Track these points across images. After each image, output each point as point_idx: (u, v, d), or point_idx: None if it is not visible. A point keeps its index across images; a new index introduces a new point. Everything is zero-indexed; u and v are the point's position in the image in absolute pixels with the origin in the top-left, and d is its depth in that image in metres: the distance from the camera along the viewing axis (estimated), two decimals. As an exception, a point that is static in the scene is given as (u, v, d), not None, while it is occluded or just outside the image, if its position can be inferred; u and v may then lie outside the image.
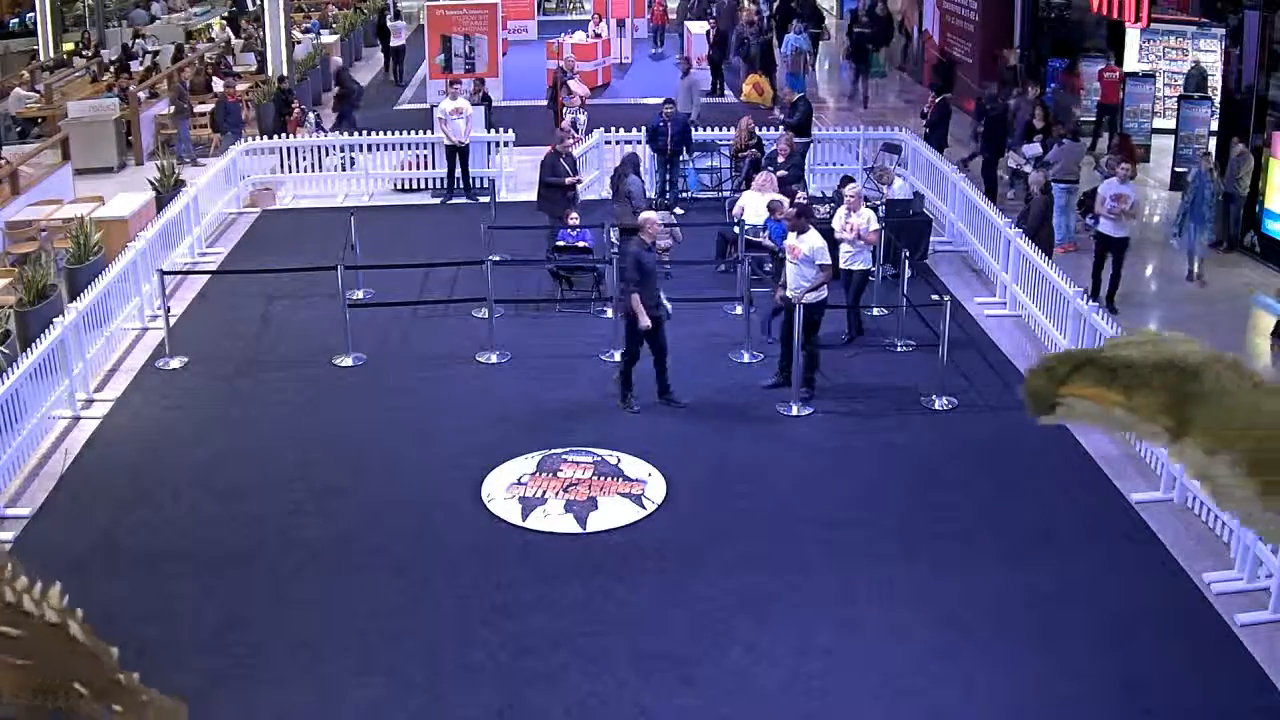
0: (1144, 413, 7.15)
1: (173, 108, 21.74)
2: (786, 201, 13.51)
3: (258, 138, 19.56)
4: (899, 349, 12.53)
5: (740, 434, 11.03)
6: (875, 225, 12.64)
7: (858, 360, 12.49)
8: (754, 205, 14.44)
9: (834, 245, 12.71)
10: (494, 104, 20.92)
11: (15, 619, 6.19)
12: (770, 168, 16.02)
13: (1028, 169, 16.09)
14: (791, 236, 11.62)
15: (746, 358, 12.41)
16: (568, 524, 9.56)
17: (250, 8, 35.72)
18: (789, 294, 11.48)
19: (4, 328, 11.91)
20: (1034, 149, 16.61)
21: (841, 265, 12.62)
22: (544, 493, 9.99)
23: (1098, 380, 7.06)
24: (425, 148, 19.23)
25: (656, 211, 15.77)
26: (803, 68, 24.44)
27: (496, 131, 19.37)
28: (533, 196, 16.32)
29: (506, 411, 11.55)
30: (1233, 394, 6.75)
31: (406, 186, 19.22)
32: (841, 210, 12.76)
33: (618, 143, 18.82)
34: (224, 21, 34.90)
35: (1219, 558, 8.87)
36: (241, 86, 24.67)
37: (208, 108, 22.67)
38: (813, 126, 18.85)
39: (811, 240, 11.36)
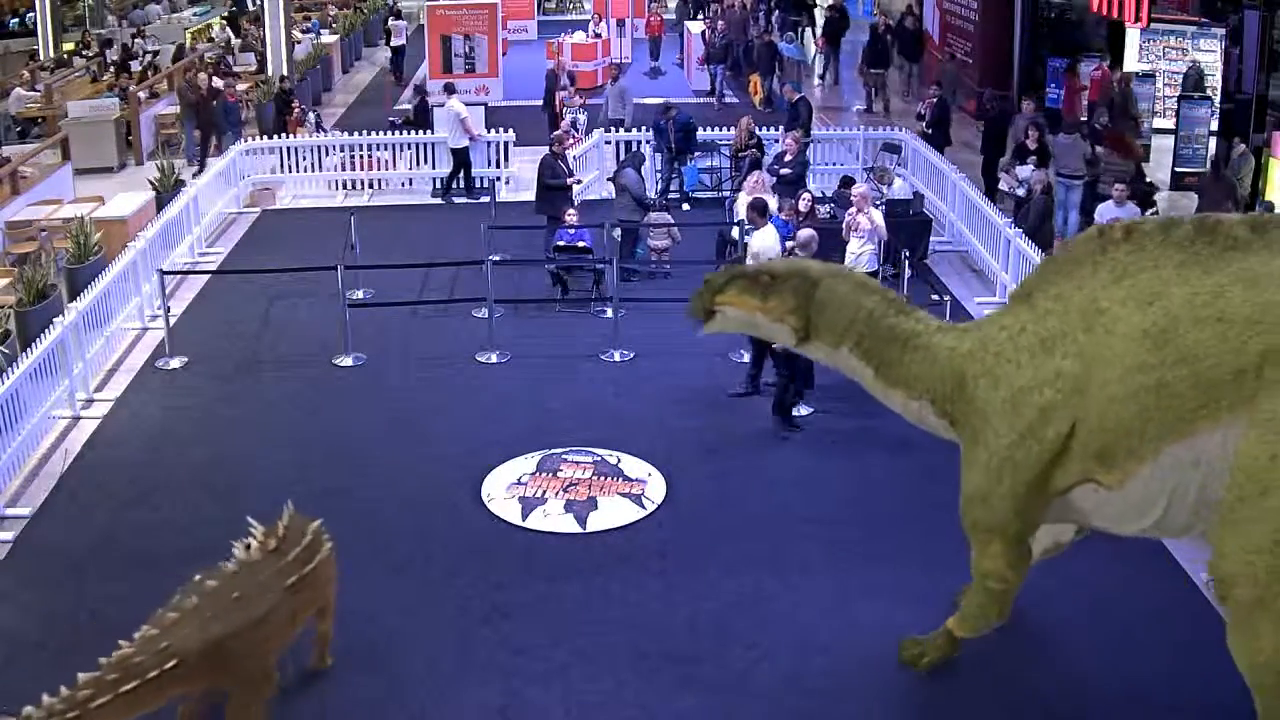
0: (775, 314, 8.33)
1: (177, 106, 21.72)
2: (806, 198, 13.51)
3: (258, 137, 19.58)
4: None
5: (740, 434, 11.02)
6: (880, 221, 12.69)
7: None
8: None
9: (842, 246, 12.81)
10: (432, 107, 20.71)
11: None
12: (775, 166, 16.02)
13: (1020, 191, 15.68)
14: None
15: (747, 357, 12.40)
16: (568, 524, 9.56)
17: (250, 8, 35.71)
18: None
19: (4, 328, 11.91)
20: (1027, 171, 15.89)
21: (846, 264, 12.68)
22: (544, 493, 9.99)
23: (743, 289, 8.13)
24: (386, 149, 19.23)
25: (655, 212, 15.86)
26: (798, 77, 23.99)
27: (497, 132, 19.39)
28: (533, 196, 16.34)
29: (506, 411, 11.55)
30: (842, 298, 7.29)
31: (351, 185, 19.11)
32: (852, 211, 12.85)
33: (617, 142, 18.84)
34: (224, 21, 34.90)
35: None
36: (241, 86, 24.66)
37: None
38: (812, 126, 18.83)
39: (762, 238, 11.49)
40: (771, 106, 23.22)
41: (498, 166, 19.05)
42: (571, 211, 14.88)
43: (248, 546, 7.17)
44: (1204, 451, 6.27)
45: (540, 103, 21.98)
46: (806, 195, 13.44)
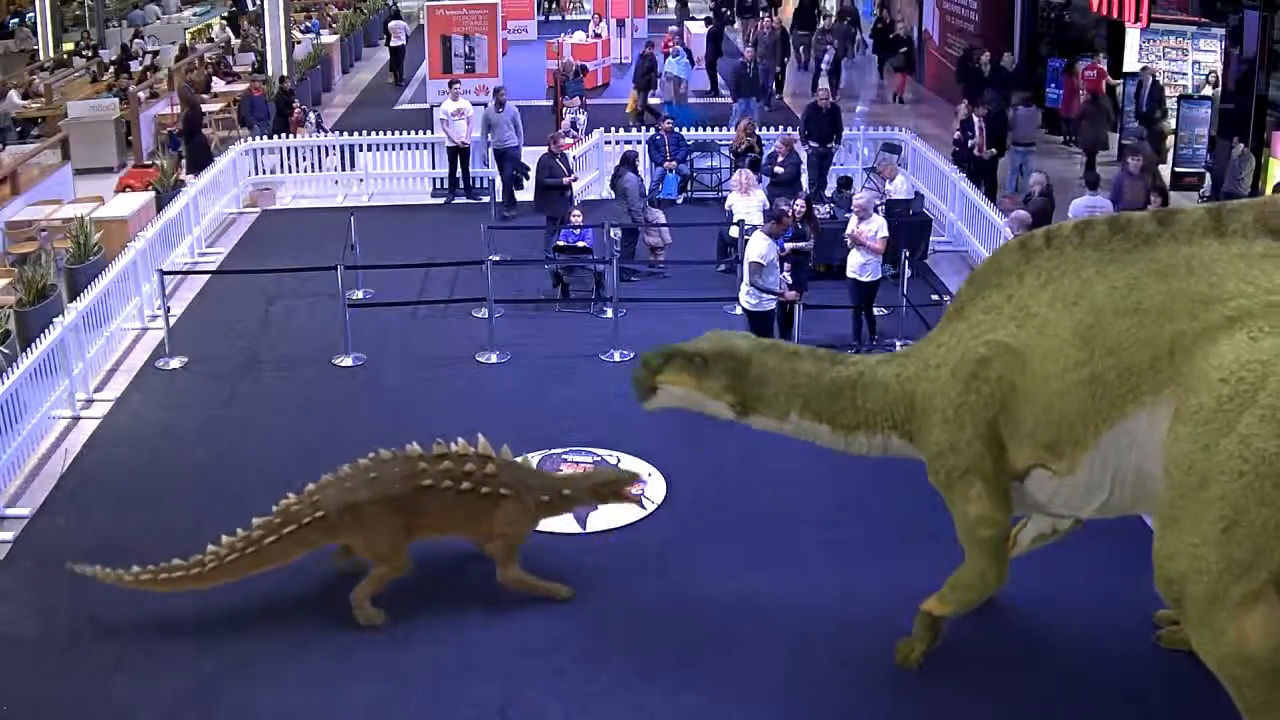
0: (712, 393, 8.52)
1: (177, 106, 21.72)
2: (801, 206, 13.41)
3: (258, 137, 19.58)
4: (899, 349, 12.51)
5: (740, 433, 10.96)
6: (884, 233, 12.57)
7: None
8: (742, 205, 14.43)
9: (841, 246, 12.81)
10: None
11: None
12: (769, 166, 16.03)
13: None
14: None
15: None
16: (568, 524, 9.54)
17: (250, 8, 35.72)
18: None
19: (4, 328, 11.91)
20: None
21: (849, 274, 12.64)
22: (544, 493, 9.96)
23: (680, 369, 8.45)
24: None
25: (651, 210, 15.85)
26: (676, 94, 22.80)
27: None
28: (532, 197, 16.36)
29: (506, 411, 11.55)
30: (776, 370, 7.75)
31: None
32: (853, 218, 12.79)
33: (617, 143, 18.84)
34: (224, 21, 34.93)
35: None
36: (242, 86, 24.69)
37: (208, 107, 22.70)
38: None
39: (755, 246, 11.64)
40: (642, 123, 21.68)
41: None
42: (576, 212, 14.89)
43: (421, 451, 8.35)
44: (1135, 433, 6.61)
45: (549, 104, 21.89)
46: (799, 201, 13.39)
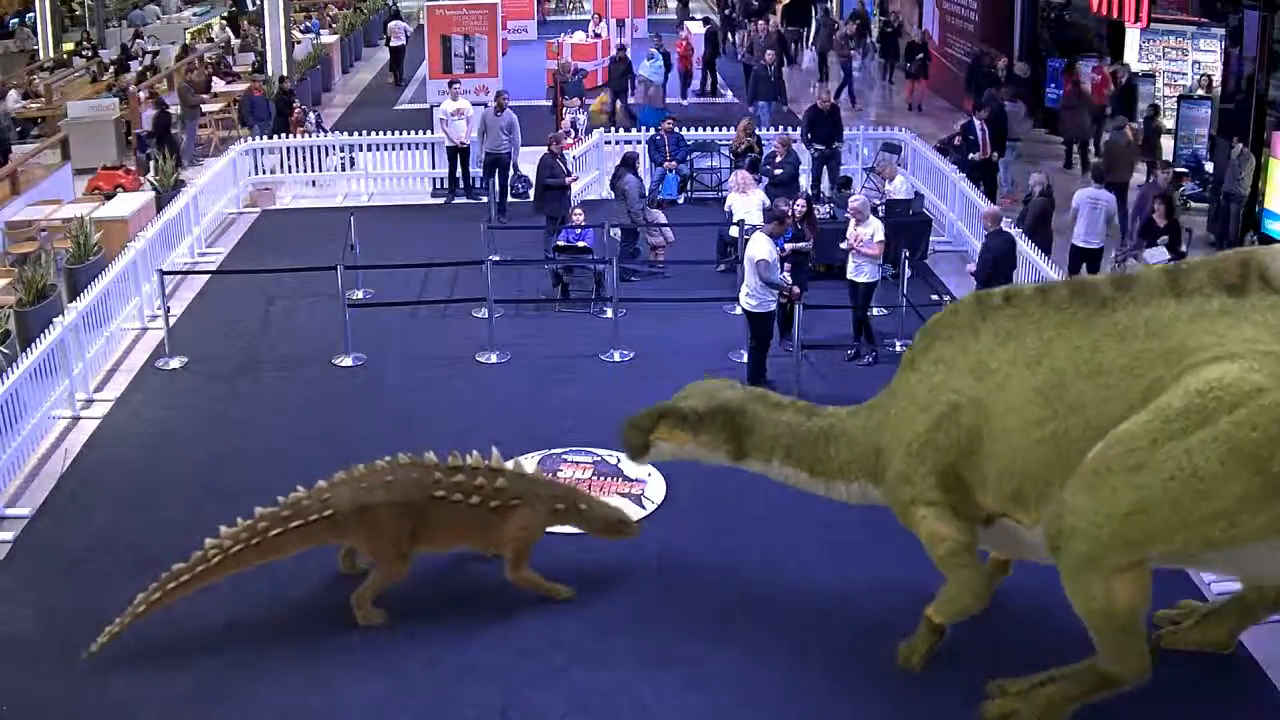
0: (709, 446, 8.41)
1: (177, 106, 21.72)
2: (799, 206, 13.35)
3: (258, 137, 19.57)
4: (899, 349, 12.52)
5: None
6: (880, 237, 12.52)
7: (857, 362, 12.51)
8: (741, 205, 14.43)
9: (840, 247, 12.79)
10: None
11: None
12: (768, 166, 16.04)
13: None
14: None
15: (746, 357, 12.41)
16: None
17: (250, 8, 35.73)
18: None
19: (4, 328, 11.91)
20: (1160, 254, 13.40)
21: (848, 275, 12.61)
22: (544, 493, 9.96)
23: (674, 426, 8.83)
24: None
25: (650, 211, 15.85)
26: (653, 100, 22.52)
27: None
28: (531, 196, 16.35)
29: (506, 412, 11.56)
30: (763, 418, 8.09)
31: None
32: (850, 222, 12.75)
33: (617, 143, 18.84)
34: (224, 21, 34.94)
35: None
36: (242, 86, 24.69)
37: (208, 107, 22.69)
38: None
39: (755, 246, 11.57)
40: (627, 125, 21.63)
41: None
42: (578, 211, 14.89)
43: (436, 460, 8.38)
44: None
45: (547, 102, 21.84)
46: (800, 201, 13.38)
